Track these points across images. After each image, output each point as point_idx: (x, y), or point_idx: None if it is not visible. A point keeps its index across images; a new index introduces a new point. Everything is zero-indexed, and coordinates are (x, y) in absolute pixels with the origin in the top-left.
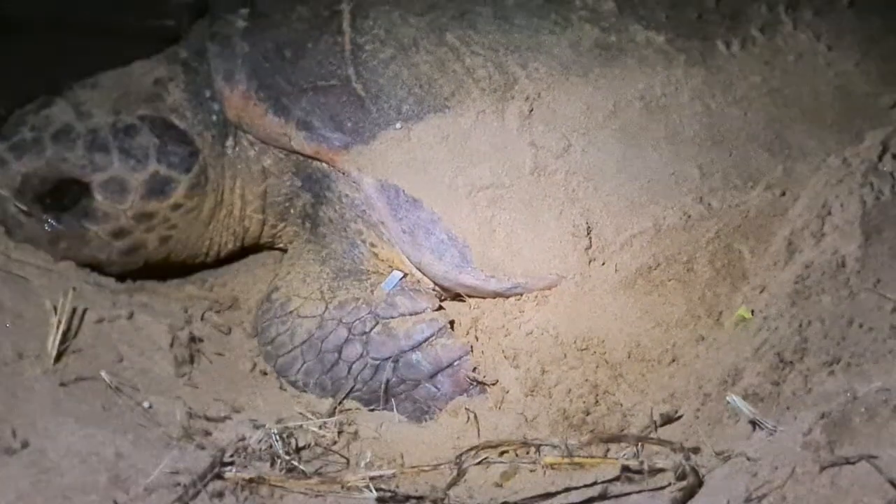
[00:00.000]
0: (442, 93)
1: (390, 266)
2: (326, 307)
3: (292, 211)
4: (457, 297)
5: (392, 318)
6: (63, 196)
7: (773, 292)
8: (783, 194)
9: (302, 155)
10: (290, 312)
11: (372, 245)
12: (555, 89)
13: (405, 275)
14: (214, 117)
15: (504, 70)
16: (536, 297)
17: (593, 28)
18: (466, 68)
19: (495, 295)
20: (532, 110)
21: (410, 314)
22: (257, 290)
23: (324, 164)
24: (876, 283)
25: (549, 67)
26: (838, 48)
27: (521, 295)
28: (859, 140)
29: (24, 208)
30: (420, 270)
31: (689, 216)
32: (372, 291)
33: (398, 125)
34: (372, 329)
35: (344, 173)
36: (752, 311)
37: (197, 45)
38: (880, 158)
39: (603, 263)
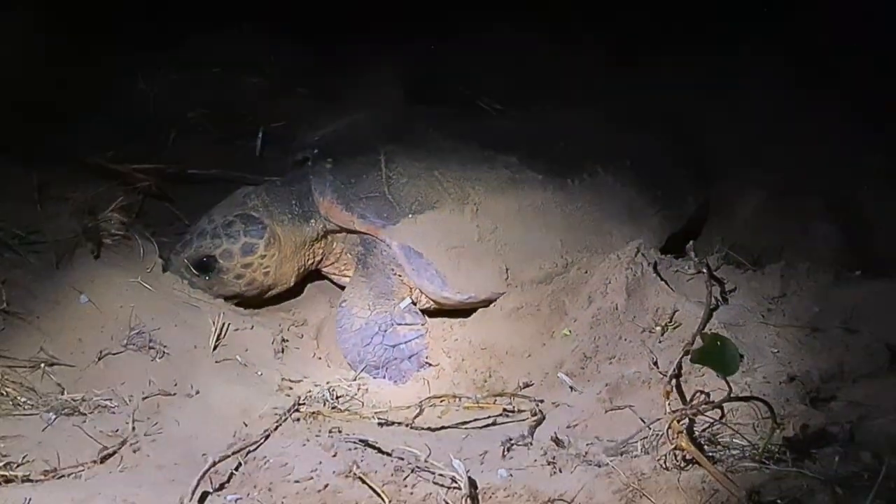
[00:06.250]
0: (432, 200)
1: (409, 288)
2: (371, 313)
3: (351, 254)
4: (439, 312)
5: (400, 324)
6: (208, 264)
7: (581, 322)
8: (586, 272)
9: (360, 232)
10: (353, 313)
11: (399, 276)
12: (489, 199)
13: (413, 300)
14: (296, 210)
15: (463, 189)
16: (461, 321)
17: (507, 170)
18: (444, 188)
19: (460, 303)
20: (478, 209)
21: (411, 323)
22: (316, 315)
23: (371, 236)
24: (633, 319)
25: (485, 188)
26: (629, 185)
27: (471, 305)
28: (625, 245)
29: (194, 275)
30: (421, 290)
31: (556, 264)
32: (394, 308)
33: (410, 215)
34: (388, 329)
35: (382, 240)
36: (570, 331)
37: (287, 180)
38: (635, 255)
39: (514, 285)
